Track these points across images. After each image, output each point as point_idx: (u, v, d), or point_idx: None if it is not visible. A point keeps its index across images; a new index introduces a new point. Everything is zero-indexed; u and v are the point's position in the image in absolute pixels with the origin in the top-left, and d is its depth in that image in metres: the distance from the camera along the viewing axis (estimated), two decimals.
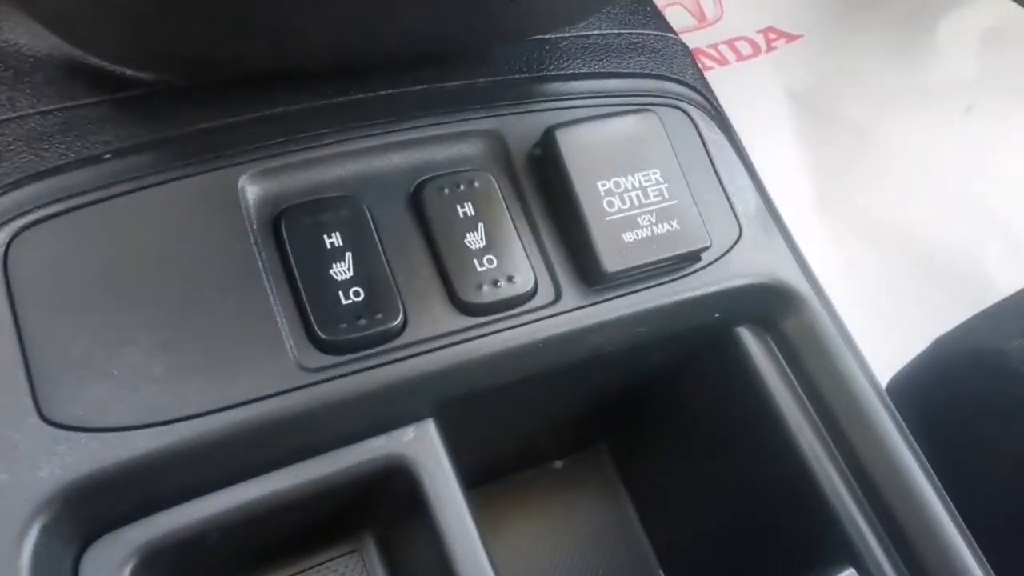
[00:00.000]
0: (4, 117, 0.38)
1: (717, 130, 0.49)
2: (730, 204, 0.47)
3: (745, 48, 1.29)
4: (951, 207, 1.08)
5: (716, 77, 1.25)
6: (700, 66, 1.32)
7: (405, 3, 0.37)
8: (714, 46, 1.28)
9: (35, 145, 0.38)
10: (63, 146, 0.38)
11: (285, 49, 0.39)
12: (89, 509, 0.34)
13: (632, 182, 0.43)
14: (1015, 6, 1.14)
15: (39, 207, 0.36)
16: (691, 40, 1.27)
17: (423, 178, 0.42)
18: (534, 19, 0.45)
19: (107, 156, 0.38)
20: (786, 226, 0.49)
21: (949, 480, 0.46)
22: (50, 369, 0.34)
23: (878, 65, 1.26)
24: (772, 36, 1.31)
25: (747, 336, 0.48)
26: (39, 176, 0.37)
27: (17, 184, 0.37)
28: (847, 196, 1.12)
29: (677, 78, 0.50)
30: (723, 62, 1.26)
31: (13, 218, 0.36)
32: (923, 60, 1.24)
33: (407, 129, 0.42)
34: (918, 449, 0.46)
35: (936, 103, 1.18)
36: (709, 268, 0.45)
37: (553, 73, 0.47)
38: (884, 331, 1.01)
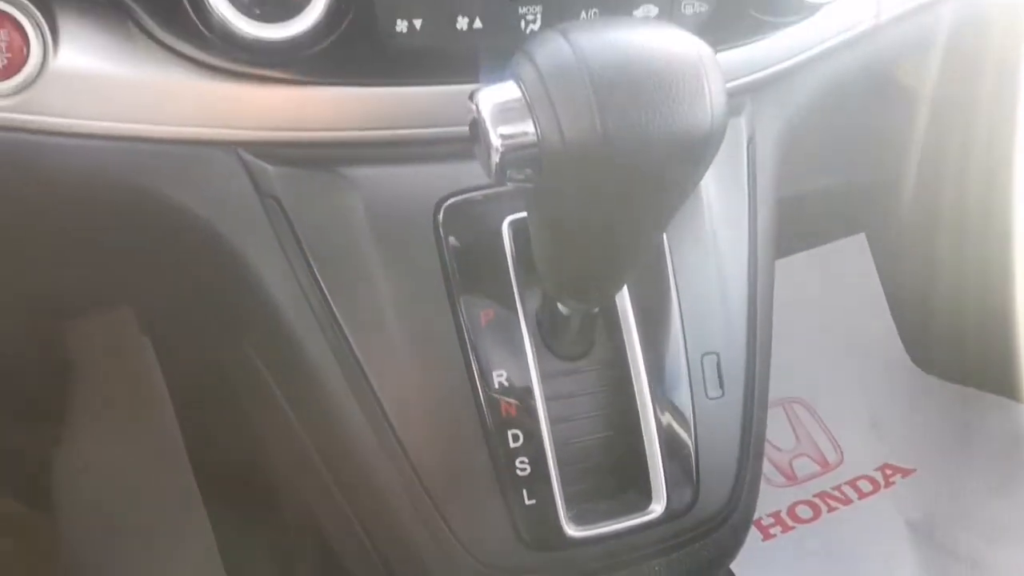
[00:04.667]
0: None
1: None
2: None
3: (866, 486, 1.53)
4: None
5: (842, 516, 1.49)
6: (826, 507, 1.56)
7: None
8: (838, 487, 1.53)
9: None
10: None
11: None
12: None
13: None
14: None
15: None
16: (817, 485, 1.54)
17: None
18: None
19: None
20: None
21: None
22: None
23: (983, 495, 1.48)
24: (889, 472, 1.55)
25: None
26: None
27: None
28: None
29: None
30: (847, 501, 1.51)
31: None
32: (1020, 492, 1.46)
33: None
34: None
35: None
36: None
37: None
38: None
